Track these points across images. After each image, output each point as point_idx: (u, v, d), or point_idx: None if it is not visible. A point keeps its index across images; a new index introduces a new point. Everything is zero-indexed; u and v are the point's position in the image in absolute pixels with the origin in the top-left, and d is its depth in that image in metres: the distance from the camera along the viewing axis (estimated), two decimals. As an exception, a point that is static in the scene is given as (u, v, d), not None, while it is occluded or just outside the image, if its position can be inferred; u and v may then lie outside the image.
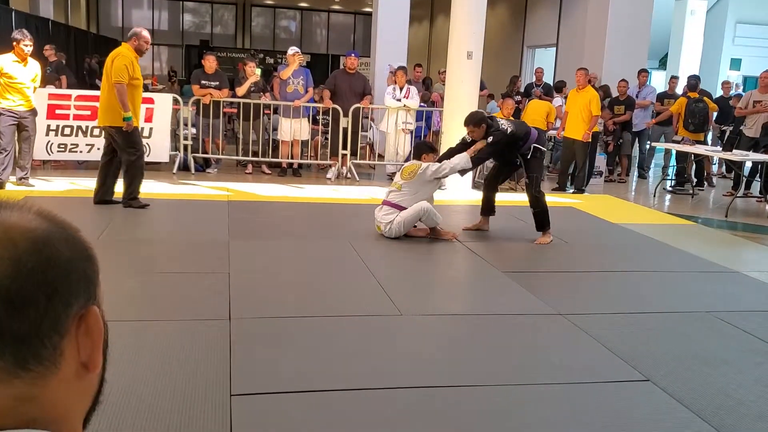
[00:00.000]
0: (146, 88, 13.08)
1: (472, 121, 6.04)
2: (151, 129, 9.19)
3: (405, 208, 5.89)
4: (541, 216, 6.17)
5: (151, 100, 9.36)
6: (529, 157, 6.18)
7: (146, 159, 9.16)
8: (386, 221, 5.95)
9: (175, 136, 9.81)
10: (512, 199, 8.07)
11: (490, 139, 5.94)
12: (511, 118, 9.69)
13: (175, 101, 9.62)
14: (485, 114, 6.34)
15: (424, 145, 6.50)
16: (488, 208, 6.49)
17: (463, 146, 6.18)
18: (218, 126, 9.71)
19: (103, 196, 6.77)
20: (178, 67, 26.65)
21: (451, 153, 6.21)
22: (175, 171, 9.30)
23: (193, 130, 9.64)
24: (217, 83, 9.53)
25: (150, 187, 7.97)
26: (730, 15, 20.28)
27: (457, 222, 6.67)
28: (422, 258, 5.61)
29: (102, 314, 0.69)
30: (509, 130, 6.00)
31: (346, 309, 4.14)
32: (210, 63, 9.60)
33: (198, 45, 25.91)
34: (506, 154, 6.28)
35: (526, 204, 6.33)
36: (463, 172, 6.22)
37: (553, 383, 3.25)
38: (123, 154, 6.64)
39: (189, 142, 9.51)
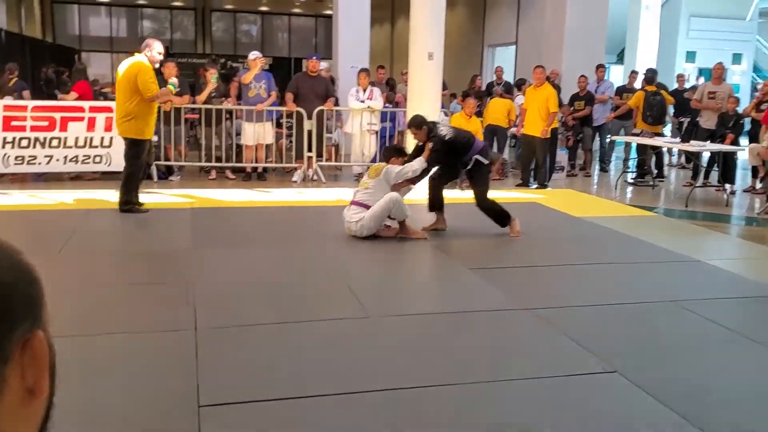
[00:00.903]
0: (105, 96, 12.95)
1: (413, 124, 6.28)
2: (111, 138, 9.06)
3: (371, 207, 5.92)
4: (495, 215, 6.27)
5: (110, 109, 9.23)
6: (470, 167, 6.22)
7: (107, 168, 9.15)
8: (356, 219, 5.96)
9: (136, 144, 9.67)
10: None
11: (430, 145, 6.11)
12: (474, 117, 9.79)
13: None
14: (425, 118, 6.41)
15: (393, 149, 6.59)
16: (435, 205, 6.48)
17: (420, 149, 6.32)
18: (180, 132, 9.61)
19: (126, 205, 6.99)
20: (138, 74, 26.27)
21: (414, 155, 6.32)
22: (137, 180, 9.17)
23: (155, 138, 9.52)
24: (178, 90, 9.42)
25: (111, 197, 7.88)
26: (684, 9, 20.66)
27: (423, 220, 6.68)
28: (390, 258, 5.61)
29: (48, 337, 0.67)
30: (447, 137, 6.12)
31: (315, 314, 4.13)
32: (170, 70, 9.46)
33: (157, 51, 25.58)
34: (449, 159, 6.31)
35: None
36: (416, 180, 6.22)
37: (522, 378, 3.28)
38: (126, 163, 6.97)
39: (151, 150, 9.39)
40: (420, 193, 7.52)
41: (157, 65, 6.88)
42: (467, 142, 6.23)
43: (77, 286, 4.50)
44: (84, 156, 9.01)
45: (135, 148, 6.86)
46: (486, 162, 6.26)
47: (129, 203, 6.94)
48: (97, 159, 9.09)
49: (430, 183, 6.51)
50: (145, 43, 6.85)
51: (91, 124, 9.03)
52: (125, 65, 6.79)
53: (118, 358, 3.37)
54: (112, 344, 3.55)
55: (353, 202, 6.07)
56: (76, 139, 8.96)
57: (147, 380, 3.12)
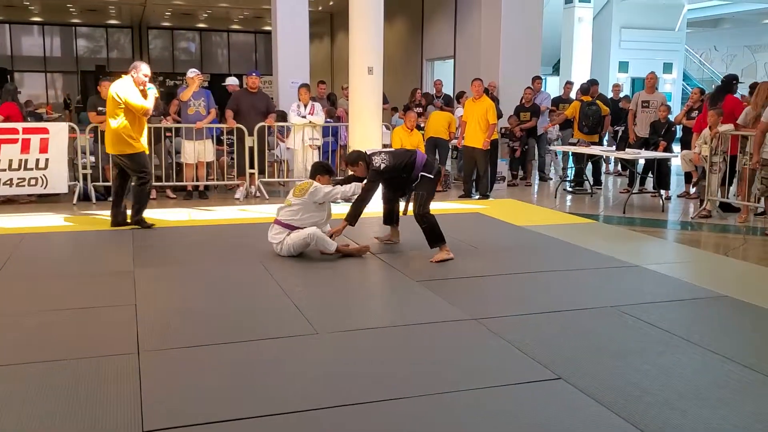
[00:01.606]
0: (40, 117, 12.64)
1: (349, 161, 6.22)
2: (47, 160, 8.86)
3: (295, 228, 5.88)
4: (429, 231, 5.99)
5: (45, 130, 9.02)
6: (416, 183, 6.06)
7: (43, 191, 8.92)
8: (276, 241, 5.94)
9: (73, 165, 9.47)
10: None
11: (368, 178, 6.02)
12: (415, 130, 9.87)
13: (72, 130, 9.30)
14: (361, 152, 6.29)
15: (321, 167, 6.38)
16: (390, 218, 6.49)
17: (352, 178, 6.26)
18: (118, 153, 9.42)
19: (120, 219, 7.31)
20: (74, 94, 25.77)
21: (346, 181, 6.26)
22: (75, 202, 8.98)
23: (92, 159, 9.34)
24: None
25: (49, 220, 7.69)
26: (615, 21, 21.30)
27: (371, 233, 6.69)
28: (336, 273, 5.60)
29: None
30: (382, 166, 5.95)
31: (260, 332, 4.09)
32: (106, 89, 9.31)
33: (93, 70, 25.10)
34: (393, 184, 6.26)
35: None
36: (354, 216, 6.00)
37: (468, 389, 3.30)
38: (134, 177, 7.26)
39: (88, 171, 9.21)
40: (371, 206, 7.52)
41: (140, 86, 7.11)
42: (408, 161, 6.05)
43: (14, 313, 4.36)
44: (18, 179, 8.77)
45: (137, 161, 7.19)
46: (430, 176, 6.05)
47: (140, 216, 7.25)
48: (33, 182, 8.85)
49: (384, 198, 6.48)
50: (132, 65, 7.21)
51: (26, 146, 8.79)
52: (113, 87, 7.07)
53: (59, 385, 3.27)
54: (51, 371, 3.44)
55: (276, 221, 6.01)
56: (10, 161, 8.71)
57: (89, 406, 3.04)
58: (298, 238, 5.84)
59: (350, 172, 6.38)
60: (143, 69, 7.11)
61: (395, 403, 3.16)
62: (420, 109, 12.16)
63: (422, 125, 11.31)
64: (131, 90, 6.98)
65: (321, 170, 6.23)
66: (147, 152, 7.41)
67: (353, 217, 6.01)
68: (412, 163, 6.05)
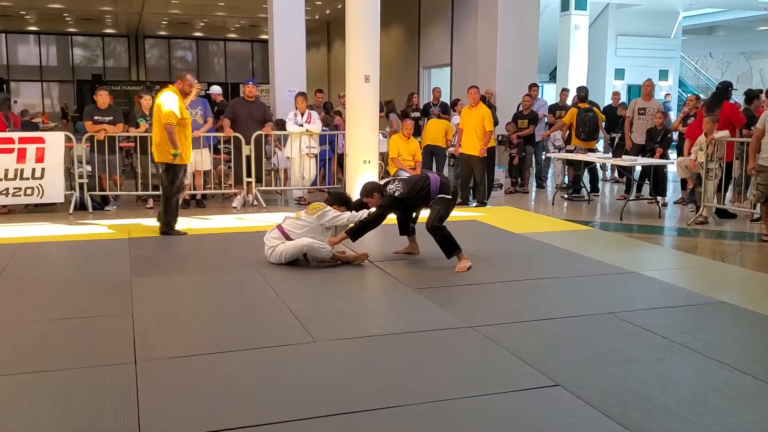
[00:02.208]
0: (37, 127, 12.63)
1: (364, 193, 6.22)
2: (43, 169, 8.84)
3: (292, 240, 5.91)
4: (443, 241, 5.96)
5: (41, 140, 9.01)
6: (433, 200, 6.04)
7: (40, 201, 8.91)
8: (270, 245, 5.97)
9: (69, 175, 9.46)
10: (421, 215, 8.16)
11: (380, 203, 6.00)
12: (412, 137, 9.88)
13: (68, 139, 9.30)
14: (376, 183, 6.30)
15: (339, 198, 6.32)
16: (406, 228, 6.42)
17: (360, 204, 6.24)
18: (115, 162, 9.43)
19: (164, 227, 7.45)
20: (71, 103, 25.82)
21: (358, 206, 6.22)
22: (71, 211, 8.95)
23: (89, 168, 9.33)
24: (111, 118, 9.28)
25: (46, 230, 7.68)
26: (611, 28, 21.37)
27: (378, 243, 6.67)
28: (333, 281, 5.59)
29: None
30: (396, 193, 5.92)
31: (258, 341, 4.08)
32: (102, 98, 9.35)
33: (90, 80, 25.13)
34: (408, 208, 6.24)
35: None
36: (356, 233, 5.98)
37: (466, 397, 3.29)
38: (163, 188, 7.45)
39: (85, 181, 9.19)
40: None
41: (187, 96, 7.43)
42: (423, 188, 5.98)
43: (10, 323, 4.35)
44: (15, 188, 8.75)
45: (169, 172, 7.32)
46: (447, 197, 5.99)
47: (168, 225, 7.39)
48: (29, 191, 8.83)
49: (398, 218, 6.41)
50: (180, 75, 7.47)
51: (21, 156, 8.78)
52: (159, 97, 7.28)
53: (54, 397, 3.26)
54: (46, 382, 3.43)
55: (279, 227, 6.04)
56: (6, 171, 8.70)
57: (86, 416, 3.03)
58: (294, 247, 5.86)
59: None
60: (188, 79, 7.38)
61: (393, 411, 3.15)
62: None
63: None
64: (171, 99, 7.14)
65: (339, 201, 6.22)
66: (188, 162, 7.59)
67: (355, 234, 5.97)
68: (427, 188, 5.99)
